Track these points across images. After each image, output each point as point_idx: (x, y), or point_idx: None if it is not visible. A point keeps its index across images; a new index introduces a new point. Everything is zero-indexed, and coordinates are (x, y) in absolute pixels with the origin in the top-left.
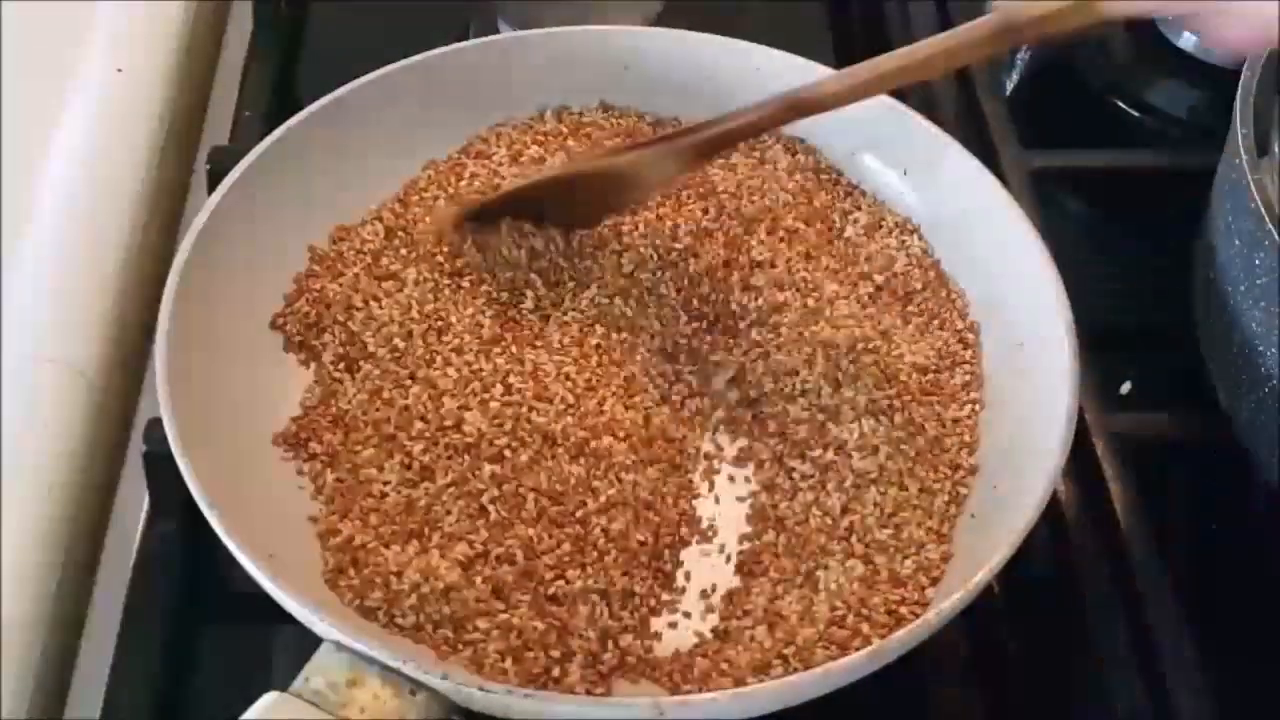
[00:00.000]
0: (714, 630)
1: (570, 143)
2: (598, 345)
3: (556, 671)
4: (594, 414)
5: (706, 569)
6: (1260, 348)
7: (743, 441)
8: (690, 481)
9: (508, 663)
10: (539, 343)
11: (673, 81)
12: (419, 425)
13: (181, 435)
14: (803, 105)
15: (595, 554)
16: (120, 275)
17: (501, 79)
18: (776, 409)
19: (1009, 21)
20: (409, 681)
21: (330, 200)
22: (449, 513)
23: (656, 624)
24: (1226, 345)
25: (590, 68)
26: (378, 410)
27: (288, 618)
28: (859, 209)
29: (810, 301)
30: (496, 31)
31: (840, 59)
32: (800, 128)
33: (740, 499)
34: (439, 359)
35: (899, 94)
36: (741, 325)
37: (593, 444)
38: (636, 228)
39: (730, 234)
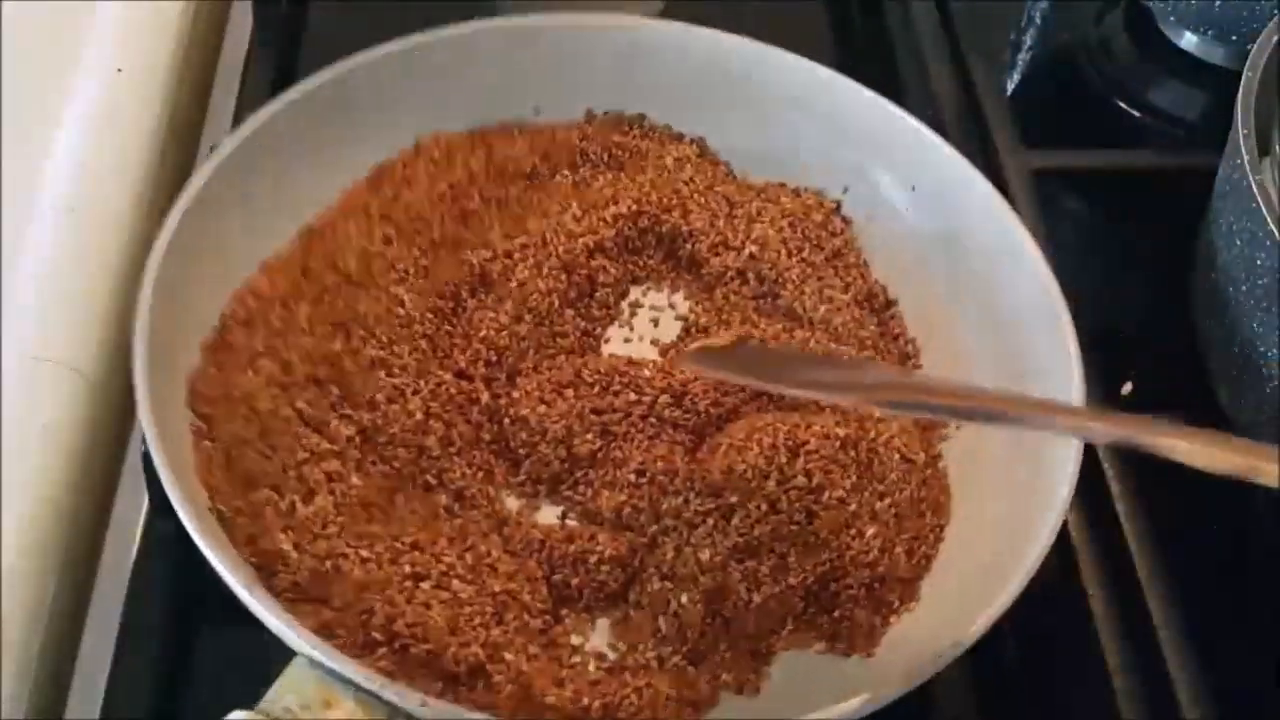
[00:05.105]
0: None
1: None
2: None
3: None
4: None
5: None
6: (1260, 348)
7: None
8: None
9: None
10: None
11: (673, 78)
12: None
13: (160, 433)
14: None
15: None
16: (120, 275)
17: (501, 68)
18: None
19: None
20: (387, 706)
21: (316, 183)
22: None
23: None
24: (1226, 345)
25: (589, 62)
26: None
27: None
28: None
29: None
30: None
31: (841, 59)
32: (802, 131)
33: None
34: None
35: (903, 101)
36: None
37: None
38: None
39: None
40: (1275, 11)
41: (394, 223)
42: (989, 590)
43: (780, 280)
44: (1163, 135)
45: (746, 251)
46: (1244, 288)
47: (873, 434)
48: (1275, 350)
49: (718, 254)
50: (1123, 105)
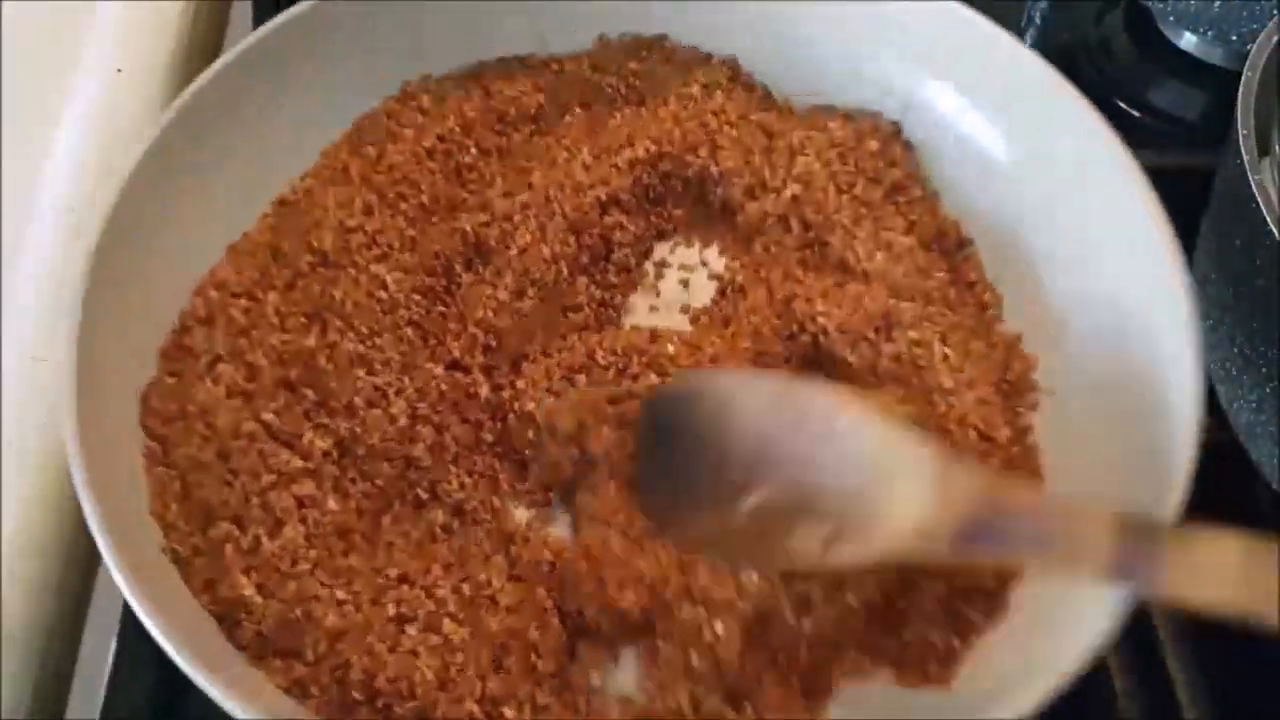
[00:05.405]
0: None
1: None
2: None
3: None
4: None
5: None
6: (1260, 348)
7: None
8: None
9: None
10: None
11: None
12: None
13: (92, 462)
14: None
15: None
16: None
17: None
18: None
19: None
20: None
21: (289, 144)
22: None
23: None
24: (1226, 345)
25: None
26: None
27: None
28: None
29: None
30: None
31: None
32: (848, 42)
33: None
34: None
35: None
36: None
37: None
38: None
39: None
40: (1275, 11)
41: (375, 187)
42: (1097, 596)
43: (829, 225)
44: (1163, 135)
45: (788, 193)
46: (1244, 288)
47: (942, 408)
48: (1275, 350)
49: (754, 198)
50: (1123, 105)
